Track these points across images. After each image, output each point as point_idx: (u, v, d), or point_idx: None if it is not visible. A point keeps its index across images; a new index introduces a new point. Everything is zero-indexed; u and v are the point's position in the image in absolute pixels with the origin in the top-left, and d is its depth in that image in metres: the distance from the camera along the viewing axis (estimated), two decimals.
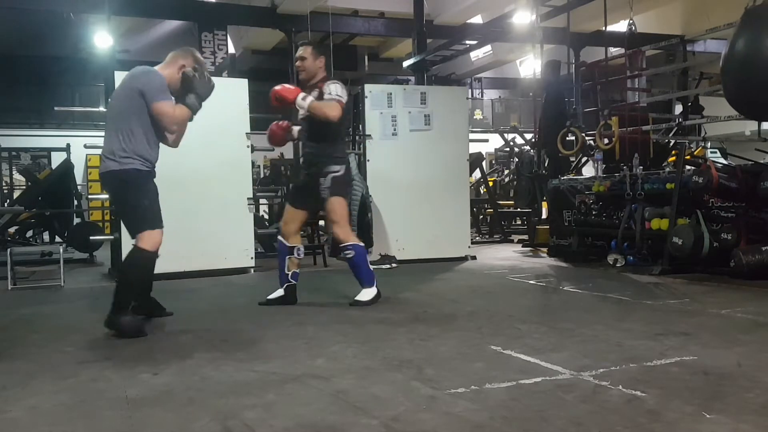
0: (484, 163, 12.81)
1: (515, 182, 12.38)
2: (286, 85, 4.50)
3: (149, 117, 3.77)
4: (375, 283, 4.55)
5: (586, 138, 8.31)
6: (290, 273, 4.63)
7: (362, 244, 4.62)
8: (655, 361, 2.84)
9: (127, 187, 3.80)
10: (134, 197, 3.80)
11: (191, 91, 3.89)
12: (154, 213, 3.82)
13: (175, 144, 4.07)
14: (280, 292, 4.65)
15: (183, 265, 6.23)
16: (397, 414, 2.25)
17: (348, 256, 4.51)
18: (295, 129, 4.77)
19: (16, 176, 12.51)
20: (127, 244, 6.02)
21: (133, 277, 3.83)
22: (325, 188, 4.48)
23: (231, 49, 14.86)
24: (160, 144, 3.98)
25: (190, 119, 3.95)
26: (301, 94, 4.38)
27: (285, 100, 4.40)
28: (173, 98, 3.86)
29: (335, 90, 4.41)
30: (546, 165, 9.12)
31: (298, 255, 4.64)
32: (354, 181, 7.23)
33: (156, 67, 3.95)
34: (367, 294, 4.51)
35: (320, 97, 4.42)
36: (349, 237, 4.53)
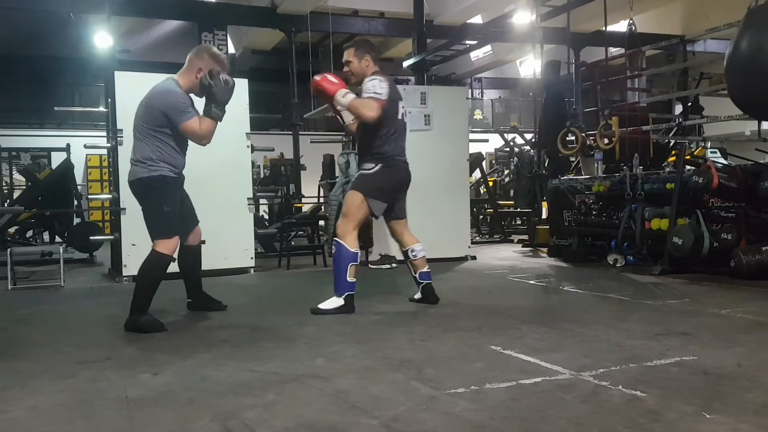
0: (484, 163, 12.81)
1: (515, 182, 12.39)
2: (329, 77, 4.25)
3: (175, 127, 3.90)
4: (346, 295, 4.18)
5: (586, 138, 8.31)
6: (418, 274, 4.46)
7: (355, 250, 4.20)
8: (655, 361, 2.84)
9: (154, 192, 3.94)
10: (158, 203, 3.94)
11: (211, 100, 3.92)
12: (173, 220, 3.98)
13: (204, 144, 4.10)
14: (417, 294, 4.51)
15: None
16: (397, 414, 2.25)
17: (332, 251, 4.32)
18: (348, 118, 4.49)
19: (16, 176, 12.51)
20: (126, 245, 6.07)
21: (149, 279, 3.93)
22: (352, 182, 4.38)
23: (231, 49, 14.88)
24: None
25: (219, 120, 3.99)
26: (342, 91, 4.15)
27: (324, 94, 4.21)
28: (196, 112, 3.93)
29: (372, 87, 4.16)
30: (546, 165, 9.12)
31: (413, 256, 4.43)
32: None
33: (176, 75, 4.02)
34: (331, 302, 4.19)
35: (360, 95, 4.22)
36: (344, 235, 4.19)
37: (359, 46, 4.40)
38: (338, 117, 4.52)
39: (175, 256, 4.08)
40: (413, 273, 4.47)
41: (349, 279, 4.16)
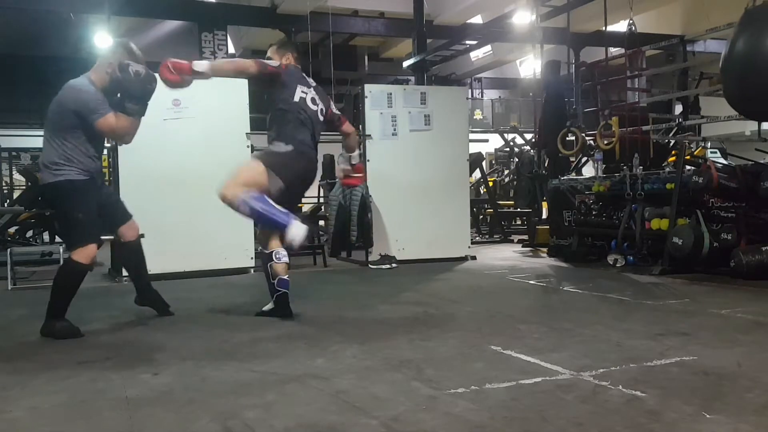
0: (484, 163, 12.81)
1: (515, 182, 12.39)
2: (170, 65, 3.75)
3: (91, 130, 3.71)
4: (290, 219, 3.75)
5: (586, 138, 8.32)
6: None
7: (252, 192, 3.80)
8: (655, 361, 2.84)
9: (61, 199, 3.77)
10: (69, 210, 3.77)
11: (125, 95, 3.68)
12: (87, 227, 3.75)
13: (126, 141, 3.97)
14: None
15: (183, 265, 6.24)
16: (397, 414, 2.25)
17: (242, 213, 3.90)
18: None
19: (16, 176, 12.51)
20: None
21: (63, 286, 3.77)
22: (256, 153, 4.29)
23: (231, 49, 14.88)
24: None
25: (139, 116, 3.76)
26: (193, 64, 3.79)
27: (179, 74, 3.77)
28: (110, 109, 3.70)
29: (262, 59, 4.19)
30: (546, 165, 9.12)
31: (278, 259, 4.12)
32: None
33: (89, 72, 3.84)
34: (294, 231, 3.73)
35: None
36: (234, 195, 3.84)
37: (281, 44, 4.45)
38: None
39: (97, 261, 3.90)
40: (271, 281, 4.11)
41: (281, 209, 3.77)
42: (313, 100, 4.26)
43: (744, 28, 5.09)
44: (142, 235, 4.27)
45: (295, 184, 4.15)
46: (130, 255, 4.25)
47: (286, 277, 4.10)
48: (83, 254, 3.71)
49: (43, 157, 3.79)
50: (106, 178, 9.96)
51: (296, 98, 4.17)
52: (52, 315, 3.69)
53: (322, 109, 4.31)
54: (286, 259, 4.12)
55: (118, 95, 3.73)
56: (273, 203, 3.79)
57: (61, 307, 3.71)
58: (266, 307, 4.19)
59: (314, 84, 4.38)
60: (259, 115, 7.30)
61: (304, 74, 4.38)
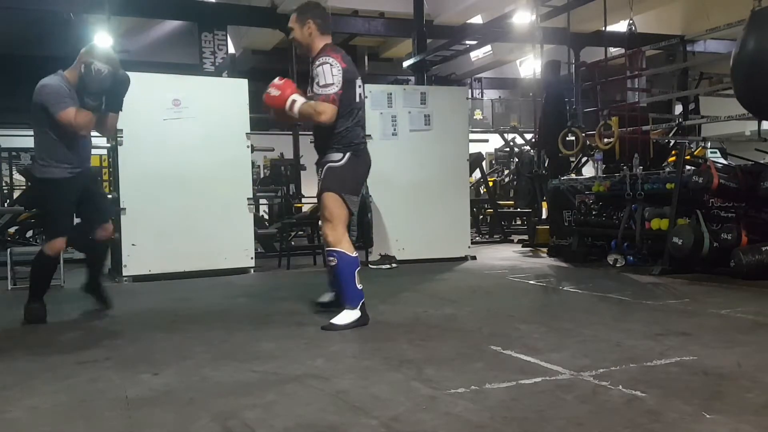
0: (484, 163, 12.81)
1: (515, 182, 12.39)
2: (272, 89, 3.77)
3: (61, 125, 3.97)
4: (360, 305, 3.73)
5: (586, 138, 8.31)
6: None
7: (353, 254, 3.74)
8: (655, 361, 2.84)
9: (42, 194, 4.16)
10: (46, 205, 4.19)
11: (86, 91, 3.95)
12: (58, 223, 4.13)
13: (106, 134, 4.42)
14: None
15: (183, 265, 6.24)
16: (397, 414, 2.25)
17: (330, 263, 3.81)
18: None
19: (16, 176, 12.50)
20: (126, 245, 6.07)
21: (36, 275, 4.20)
22: (319, 180, 3.88)
23: (231, 49, 14.87)
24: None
25: (112, 111, 4.10)
26: (289, 101, 3.71)
27: (277, 109, 3.80)
28: (75, 102, 3.95)
29: (322, 77, 3.66)
30: (546, 165, 9.12)
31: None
32: None
33: (66, 71, 4.07)
34: (346, 316, 3.69)
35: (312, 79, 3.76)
36: (339, 241, 3.72)
37: (302, 10, 3.93)
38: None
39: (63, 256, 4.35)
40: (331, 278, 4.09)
41: (358, 286, 3.72)
42: (361, 91, 3.95)
43: (753, 29, 5.10)
44: (113, 238, 4.60)
45: (362, 181, 4.04)
46: (93, 251, 4.51)
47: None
48: (51, 247, 4.09)
49: (35, 152, 4.17)
50: (105, 177, 9.90)
51: (357, 98, 3.87)
52: (30, 297, 4.14)
53: (361, 93, 3.98)
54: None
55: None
56: (351, 273, 3.73)
57: (37, 290, 4.13)
58: (324, 298, 4.18)
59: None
60: (259, 115, 7.32)
61: (345, 55, 3.89)
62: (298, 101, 3.72)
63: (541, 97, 9.44)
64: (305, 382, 2.65)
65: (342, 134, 3.81)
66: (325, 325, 3.71)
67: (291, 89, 3.77)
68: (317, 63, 3.74)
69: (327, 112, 3.66)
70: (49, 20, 16.22)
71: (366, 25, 15.08)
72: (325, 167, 3.84)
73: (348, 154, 3.81)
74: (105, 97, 4.03)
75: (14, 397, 2.55)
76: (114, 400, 2.49)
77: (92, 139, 4.35)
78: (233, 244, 6.57)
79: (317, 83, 3.69)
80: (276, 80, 3.84)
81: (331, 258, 3.76)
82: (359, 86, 3.93)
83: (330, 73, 3.67)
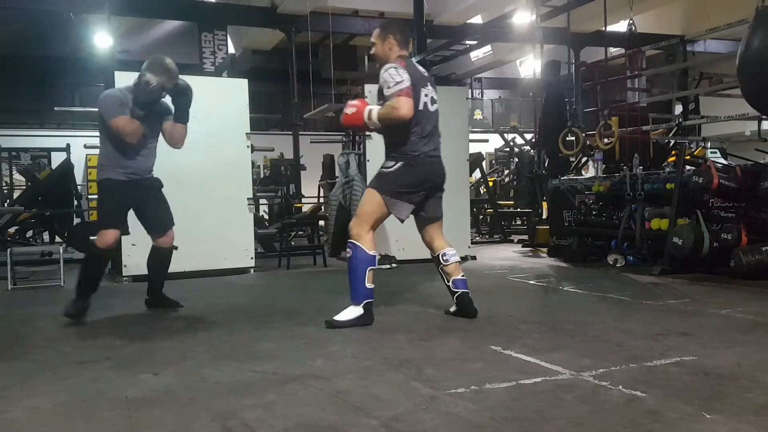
0: (484, 163, 12.81)
1: (515, 182, 12.39)
2: (348, 109, 3.87)
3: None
4: (365, 303, 3.74)
5: (586, 138, 8.31)
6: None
7: (371, 252, 3.73)
8: (655, 361, 2.84)
9: (99, 192, 4.40)
10: (100, 201, 4.43)
11: (135, 101, 4.16)
12: (109, 216, 4.26)
13: (176, 146, 4.46)
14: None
15: (183, 265, 6.19)
16: (397, 414, 2.25)
17: (346, 255, 3.84)
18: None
19: (16, 176, 12.51)
20: (126, 245, 6.06)
21: (84, 267, 4.28)
22: (371, 180, 3.99)
23: (231, 49, 14.87)
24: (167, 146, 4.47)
25: (144, 122, 4.19)
26: (365, 112, 3.78)
27: (357, 126, 3.98)
28: (126, 113, 4.12)
29: (389, 79, 3.68)
30: (546, 165, 9.12)
31: (444, 261, 3.97)
32: (354, 182, 7.25)
33: (132, 83, 4.25)
34: (349, 312, 3.73)
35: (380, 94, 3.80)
36: (360, 236, 3.74)
37: (384, 27, 3.99)
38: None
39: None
40: (446, 282, 3.99)
41: (367, 285, 3.72)
42: (432, 100, 3.96)
43: (758, 28, 5.10)
44: (176, 248, 4.59)
45: (423, 196, 3.92)
46: (153, 258, 4.55)
47: (460, 276, 3.99)
48: (101, 239, 4.19)
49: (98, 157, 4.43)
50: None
51: (420, 105, 3.82)
52: (77, 293, 4.17)
53: (427, 102, 3.94)
54: (455, 258, 4.00)
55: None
56: (364, 271, 3.72)
57: (84, 287, 4.17)
58: (451, 309, 4.04)
59: (428, 73, 4.06)
60: (259, 115, 7.33)
61: (420, 65, 4.03)
62: (374, 109, 3.78)
63: (541, 97, 9.43)
64: (305, 382, 2.65)
65: (398, 143, 3.85)
66: (328, 320, 3.74)
67: (365, 103, 3.88)
68: (382, 71, 3.78)
69: (403, 105, 3.66)
70: (49, 20, 16.22)
71: (366, 25, 15.05)
72: (378, 171, 3.94)
73: (401, 163, 3.83)
74: (173, 109, 4.30)
75: (14, 397, 2.55)
76: (114, 400, 2.49)
77: (152, 148, 4.41)
78: (233, 244, 6.57)
79: (387, 87, 3.72)
80: (350, 101, 3.97)
81: (348, 249, 3.78)
82: (426, 95, 3.91)
83: (395, 73, 3.71)
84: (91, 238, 4.45)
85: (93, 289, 4.21)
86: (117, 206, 4.23)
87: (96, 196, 7.09)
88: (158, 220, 4.43)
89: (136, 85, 4.13)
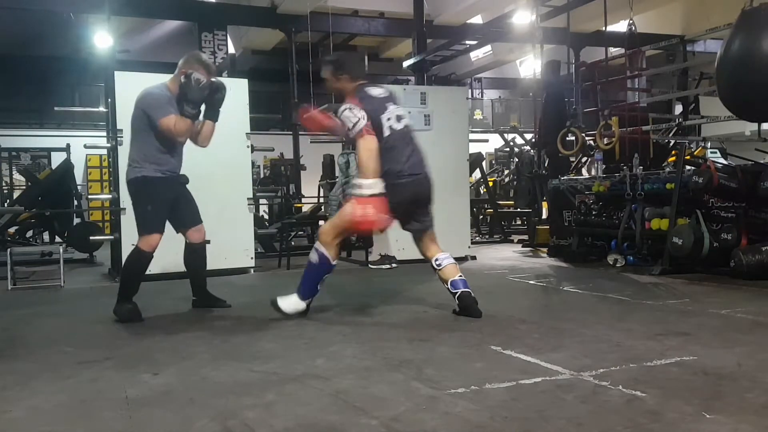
0: (484, 163, 12.80)
1: (515, 182, 12.39)
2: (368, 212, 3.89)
3: (156, 126, 4.07)
4: (306, 301, 4.02)
5: (586, 138, 8.32)
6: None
7: (334, 263, 3.99)
8: (655, 361, 2.84)
9: (135, 192, 4.19)
10: (139, 202, 4.18)
11: (185, 100, 4.07)
12: (153, 218, 4.15)
13: (203, 144, 4.38)
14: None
15: (183, 265, 6.22)
16: (397, 414, 2.25)
17: (310, 258, 4.03)
18: None
19: (16, 176, 12.51)
20: (126, 245, 6.05)
21: (129, 271, 4.23)
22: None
23: (231, 49, 14.86)
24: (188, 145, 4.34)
25: (211, 120, 4.26)
26: (358, 188, 3.88)
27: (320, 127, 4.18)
28: (174, 111, 4.07)
29: (347, 123, 3.86)
30: (546, 165, 9.12)
31: (437, 266, 4.11)
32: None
33: (167, 81, 4.21)
34: (290, 303, 4.00)
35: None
36: (328, 244, 3.95)
37: (334, 64, 4.12)
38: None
39: (156, 254, 4.24)
40: (445, 285, 4.08)
41: (318, 287, 4.05)
42: (398, 118, 4.03)
43: (739, 29, 5.09)
44: (208, 241, 4.59)
45: (406, 212, 4.14)
46: (189, 256, 4.53)
47: (457, 276, 4.05)
48: (146, 242, 4.12)
49: (128, 156, 4.23)
50: (105, 177, 9.85)
51: (386, 130, 3.95)
52: (121, 298, 4.13)
53: (393, 120, 4.00)
54: (448, 261, 4.11)
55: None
56: (321, 276, 4.00)
57: (128, 290, 4.14)
58: (456, 308, 4.09)
59: (387, 92, 4.12)
60: (259, 115, 7.33)
61: (378, 88, 4.10)
62: (363, 183, 3.83)
63: (541, 97, 9.43)
64: (305, 382, 2.65)
65: (382, 169, 3.91)
66: (273, 299, 4.04)
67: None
68: (339, 112, 3.93)
69: (369, 142, 3.83)
70: (49, 20, 16.23)
71: (366, 25, 15.07)
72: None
73: (385, 185, 3.92)
74: (205, 106, 4.19)
75: (14, 397, 2.55)
76: (114, 400, 2.49)
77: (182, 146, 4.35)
78: (233, 244, 6.57)
79: (349, 130, 3.88)
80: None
81: (314, 254, 3.99)
82: (388, 118, 3.99)
83: (351, 115, 3.84)
84: (132, 244, 4.28)
85: (136, 290, 4.19)
86: (160, 207, 4.17)
87: (107, 197, 7.08)
88: (191, 215, 4.43)
89: (186, 83, 4.03)
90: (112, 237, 6.73)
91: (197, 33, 12.90)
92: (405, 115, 4.14)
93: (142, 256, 4.15)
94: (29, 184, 9.82)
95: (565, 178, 8.00)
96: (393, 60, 20.22)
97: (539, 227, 8.69)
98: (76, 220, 10.04)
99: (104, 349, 3.36)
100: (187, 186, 4.38)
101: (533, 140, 10.61)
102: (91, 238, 7.67)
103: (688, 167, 6.13)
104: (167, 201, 4.20)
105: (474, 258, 7.53)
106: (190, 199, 4.43)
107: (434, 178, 7.66)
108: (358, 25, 15.09)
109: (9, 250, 6.23)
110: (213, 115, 4.27)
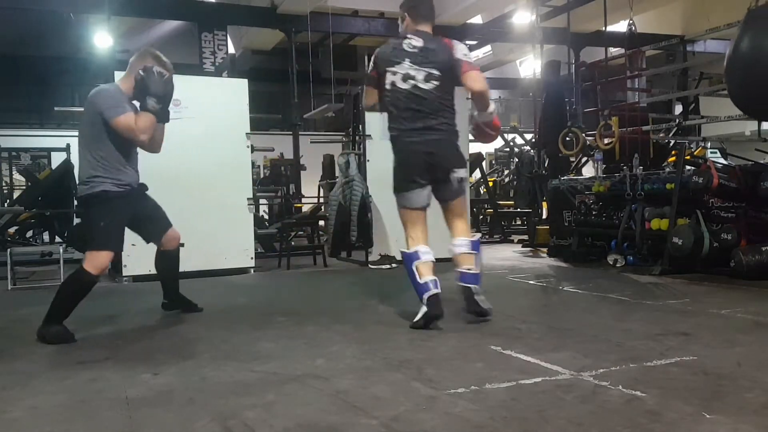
0: (484, 163, 12.81)
1: (515, 182, 12.39)
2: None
3: (118, 135, 3.70)
4: (425, 298, 3.69)
5: (586, 138, 8.32)
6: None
7: (413, 249, 3.88)
8: (655, 361, 2.84)
9: (90, 207, 3.76)
10: (93, 217, 3.76)
11: (145, 93, 3.72)
12: (106, 235, 3.72)
13: (154, 149, 4.01)
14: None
15: (183, 265, 6.12)
16: (397, 414, 2.25)
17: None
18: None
19: (16, 176, 12.51)
20: (126, 245, 6.05)
21: (67, 292, 3.70)
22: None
23: (231, 49, 14.86)
24: (146, 152, 3.99)
25: (163, 121, 3.86)
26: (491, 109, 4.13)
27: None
28: (133, 109, 3.75)
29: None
30: (546, 165, 9.12)
31: (452, 251, 3.98)
32: (354, 182, 7.25)
33: (117, 80, 3.96)
34: (421, 311, 3.70)
35: None
36: (405, 241, 4.05)
37: (401, 4, 3.93)
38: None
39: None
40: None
41: (420, 280, 3.73)
42: (406, 77, 3.76)
43: (748, 28, 5.09)
44: (182, 244, 4.31)
45: (422, 178, 3.88)
46: (163, 263, 4.28)
47: (464, 268, 3.89)
48: (94, 261, 3.63)
49: (80, 174, 3.78)
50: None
51: (387, 86, 3.81)
52: (49, 319, 3.60)
53: (426, 75, 3.77)
54: (460, 249, 3.93)
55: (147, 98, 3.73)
56: (415, 269, 3.80)
57: (60, 312, 3.62)
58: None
59: (415, 47, 3.77)
60: (259, 115, 7.32)
61: (402, 42, 3.81)
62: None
63: (541, 97, 9.44)
64: (305, 382, 2.65)
65: (387, 128, 3.90)
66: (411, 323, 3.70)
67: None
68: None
69: (365, 96, 3.98)
70: (49, 20, 16.22)
71: (366, 25, 15.05)
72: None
73: (394, 153, 3.91)
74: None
75: (14, 397, 2.55)
76: (114, 400, 2.48)
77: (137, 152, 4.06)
78: (233, 244, 6.57)
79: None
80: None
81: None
82: (395, 73, 3.79)
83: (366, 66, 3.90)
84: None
85: (67, 315, 3.65)
86: (117, 222, 3.76)
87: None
88: (160, 224, 4.15)
89: (147, 76, 3.69)
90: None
91: (197, 33, 12.90)
92: (413, 76, 3.79)
93: (85, 281, 3.64)
94: (29, 184, 9.82)
95: (565, 178, 8.01)
96: None
97: (539, 227, 8.69)
98: (76, 220, 10.04)
99: (104, 349, 3.36)
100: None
101: (533, 140, 10.61)
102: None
103: (688, 167, 6.13)
104: (124, 218, 3.82)
105: None
106: (156, 206, 4.11)
107: None
108: (358, 25, 15.07)
109: (9, 250, 6.23)
110: (164, 116, 3.85)
